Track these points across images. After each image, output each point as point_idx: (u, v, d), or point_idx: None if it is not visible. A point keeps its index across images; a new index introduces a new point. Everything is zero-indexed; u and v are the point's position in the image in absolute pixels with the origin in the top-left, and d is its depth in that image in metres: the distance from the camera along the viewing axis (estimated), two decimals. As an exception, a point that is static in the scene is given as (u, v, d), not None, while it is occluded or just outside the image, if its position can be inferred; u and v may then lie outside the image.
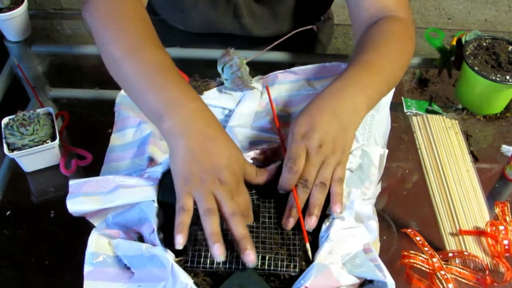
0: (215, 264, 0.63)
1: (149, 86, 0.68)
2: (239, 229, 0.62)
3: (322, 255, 0.63)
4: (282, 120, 0.84)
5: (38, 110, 0.82)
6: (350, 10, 0.89)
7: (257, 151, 0.74)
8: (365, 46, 0.79)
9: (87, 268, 0.64)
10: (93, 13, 0.75)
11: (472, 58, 0.90)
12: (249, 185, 0.69)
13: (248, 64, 0.88)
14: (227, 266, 0.63)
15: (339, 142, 0.69)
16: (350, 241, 0.66)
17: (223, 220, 0.64)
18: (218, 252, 0.60)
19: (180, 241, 0.61)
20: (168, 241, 0.64)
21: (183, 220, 0.62)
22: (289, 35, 0.96)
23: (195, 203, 0.63)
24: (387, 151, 0.78)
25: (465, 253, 0.72)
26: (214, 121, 0.68)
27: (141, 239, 0.68)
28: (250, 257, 0.61)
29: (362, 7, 0.86)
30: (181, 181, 0.64)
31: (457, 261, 0.72)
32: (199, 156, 0.64)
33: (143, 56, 0.70)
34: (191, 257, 0.63)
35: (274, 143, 0.77)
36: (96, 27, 0.74)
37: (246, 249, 0.61)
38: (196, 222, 0.64)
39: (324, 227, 0.67)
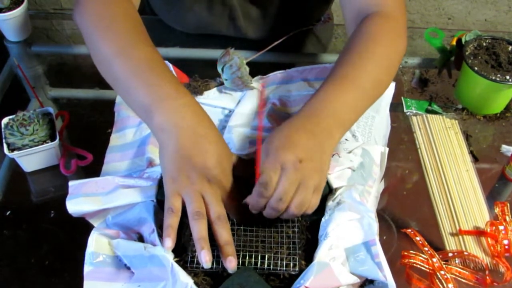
0: (214, 264, 0.62)
1: (139, 82, 0.67)
2: (223, 234, 0.62)
3: (322, 253, 0.63)
4: (283, 118, 0.84)
5: (38, 110, 0.82)
6: (342, 7, 0.86)
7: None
8: (345, 56, 0.74)
9: (87, 268, 0.64)
10: (83, 14, 0.75)
11: (472, 58, 0.90)
12: (243, 189, 0.68)
13: (248, 64, 0.88)
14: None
15: (317, 163, 0.64)
16: (351, 233, 0.65)
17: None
18: (204, 259, 0.60)
19: (168, 245, 0.61)
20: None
21: (171, 223, 0.62)
22: (287, 36, 0.96)
23: (183, 203, 0.63)
24: (387, 149, 0.78)
25: (465, 253, 0.72)
26: (205, 118, 0.67)
27: (141, 239, 0.68)
28: (232, 263, 0.61)
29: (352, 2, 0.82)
30: (170, 179, 0.64)
31: (457, 261, 0.72)
32: (189, 154, 0.63)
33: (133, 54, 0.69)
34: (191, 257, 0.63)
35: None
36: (86, 27, 0.74)
37: (229, 255, 0.61)
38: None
39: (322, 225, 0.67)
